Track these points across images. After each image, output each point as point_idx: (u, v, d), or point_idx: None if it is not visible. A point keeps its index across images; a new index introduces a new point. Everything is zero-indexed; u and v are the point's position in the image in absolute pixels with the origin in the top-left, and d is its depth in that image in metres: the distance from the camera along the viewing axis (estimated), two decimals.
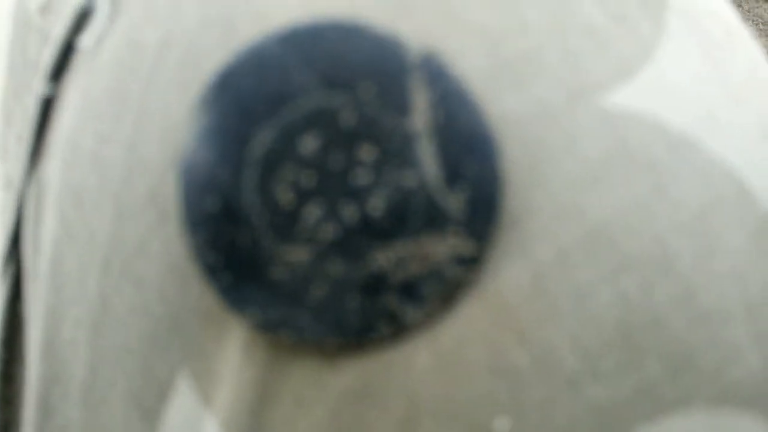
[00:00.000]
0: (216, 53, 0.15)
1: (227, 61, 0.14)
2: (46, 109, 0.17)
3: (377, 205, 0.13)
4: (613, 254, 0.14)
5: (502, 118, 0.14)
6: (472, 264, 0.13)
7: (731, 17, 0.17)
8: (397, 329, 0.14)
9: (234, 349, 0.15)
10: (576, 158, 0.14)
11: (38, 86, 0.17)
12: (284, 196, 0.14)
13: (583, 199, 0.14)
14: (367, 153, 0.13)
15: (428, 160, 0.13)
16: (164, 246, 0.15)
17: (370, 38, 0.14)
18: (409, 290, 0.13)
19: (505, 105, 0.14)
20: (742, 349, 0.14)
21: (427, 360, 0.14)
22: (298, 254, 0.14)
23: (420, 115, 0.13)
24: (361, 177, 0.13)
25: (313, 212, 0.14)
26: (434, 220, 0.13)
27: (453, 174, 0.13)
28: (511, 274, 0.13)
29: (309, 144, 0.14)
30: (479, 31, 0.14)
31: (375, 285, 0.14)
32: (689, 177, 0.14)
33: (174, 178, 0.14)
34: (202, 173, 0.14)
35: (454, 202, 0.13)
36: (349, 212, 0.13)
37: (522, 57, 0.14)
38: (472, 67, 0.14)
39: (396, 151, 0.13)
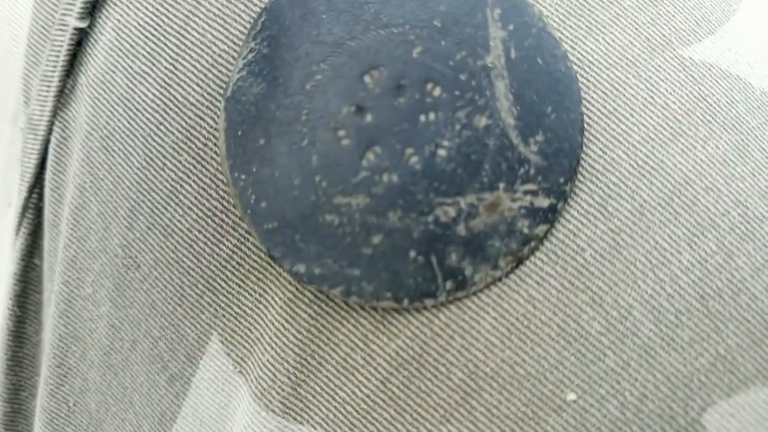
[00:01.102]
0: None
1: None
2: (77, 47, 0.16)
3: (445, 152, 0.12)
4: (694, 215, 0.13)
5: (579, 63, 0.13)
6: (546, 219, 0.12)
7: None
8: (461, 289, 0.13)
9: (275, 308, 0.14)
10: (657, 109, 0.13)
11: (71, 22, 0.15)
12: (345, 137, 0.13)
13: (664, 154, 0.13)
14: (438, 93, 0.12)
15: (504, 103, 0.12)
16: (198, 192, 0.14)
17: None
18: (476, 246, 0.13)
19: (582, 49, 0.13)
20: None
21: (492, 323, 0.13)
22: (356, 202, 0.13)
23: (497, 53, 0.12)
24: (431, 120, 0.12)
25: (375, 157, 0.13)
26: (507, 169, 0.12)
27: (530, 119, 0.13)
28: (587, 233, 0.13)
29: (375, 81, 0.13)
30: None
31: (439, 239, 0.13)
32: None
33: (221, 113, 0.13)
34: (254, 107, 0.13)
35: (530, 151, 0.12)
36: (415, 159, 0.13)
37: (599, 1, 0.14)
38: (548, 5, 0.13)
39: (470, 92, 0.12)
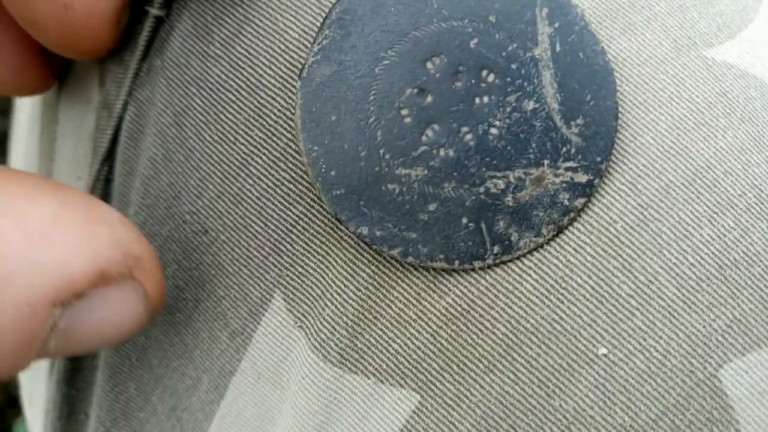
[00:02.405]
0: None
1: None
2: (154, 32, 0.17)
3: (497, 130, 0.14)
4: (714, 194, 0.14)
5: (614, 59, 0.15)
6: (584, 193, 0.14)
7: None
8: (507, 253, 0.14)
9: (336, 268, 0.15)
10: (682, 101, 0.15)
11: (151, 11, 0.17)
12: (407, 115, 0.14)
13: (688, 141, 0.14)
14: (492, 79, 0.14)
15: (549, 90, 0.14)
16: (269, 164, 0.16)
17: None
18: (522, 215, 0.14)
19: (617, 47, 0.15)
20: None
21: (534, 284, 0.14)
22: (415, 173, 0.14)
23: (544, 46, 0.14)
24: (485, 103, 0.14)
25: (433, 134, 0.14)
26: (551, 148, 0.14)
27: (571, 105, 0.14)
28: (619, 206, 0.14)
29: (436, 67, 0.14)
30: None
31: (489, 208, 0.14)
32: None
33: (297, 91, 0.14)
34: (327, 87, 0.14)
35: (572, 132, 0.14)
36: (470, 136, 0.14)
37: (632, 4, 0.15)
38: (588, 8, 0.15)
39: (520, 79, 0.14)
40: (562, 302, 0.14)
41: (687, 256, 0.14)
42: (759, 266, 0.14)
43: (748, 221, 0.14)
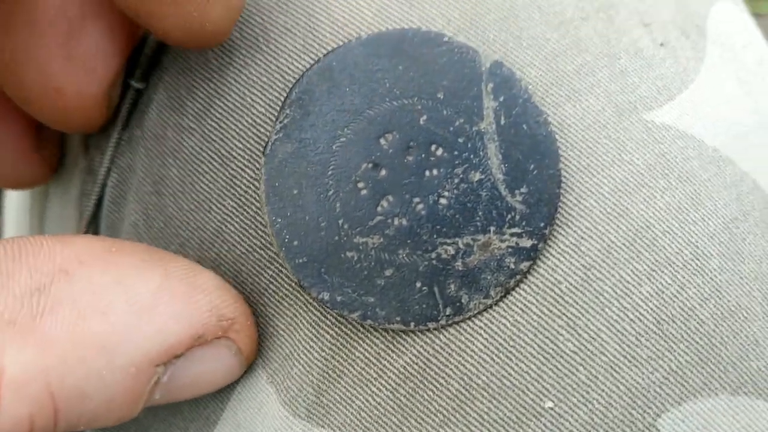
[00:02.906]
0: (299, 57, 0.16)
1: (315, 62, 0.15)
2: (134, 103, 0.18)
3: (446, 200, 0.15)
4: (653, 253, 0.15)
5: (560, 126, 0.16)
6: (529, 257, 0.15)
7: (763, 47, 0.19)
8: (458, 314, 0.15)
9: (303, 329, 0.16)
10: (623, 164, 0.16)
11: (132, 84, 0.18)
12: (363, 188, 0.15)
13: (629, 203, 0.15)
14: (441, 153, 0.15)
15: (494, 161, 0.15)
16: (241, 231, 0.17)
17: (450, 46, 0.15)
18: (472, 279, 0.15)
19: (562, 113, 0.16)
20: (761, 343, 0.15)
21: (484, 343, 0.15)
22: (372, 241, 0.15)
23: (489, 120, 0.15)
24: (434, 175, 0.15)
25: (388, 204, 0.15)
26: (497, 215, 0.15)
27: (515, 174, 0.15)
28: (564, 268, 0.15)
29: (389, 143, 0.15)
30: (540, 47, 0.16)
31: (441, 273, 0.15)
32: (721, 190, 0.16)
33: (261, 167, 0.15)
34: (289, 163, 0.15)
35: (516, 200, 0.15)
36: (421, 206, 0.15)
37: (577, 72, 0.16)
38: (534, 78, 0.16)
39: (466, 152, 0.15)
40: (511, 359, 0.15)
41: (627, 313, 0.15)
42: (694, 320, 0.15)
43: (684, 277, 0.15)
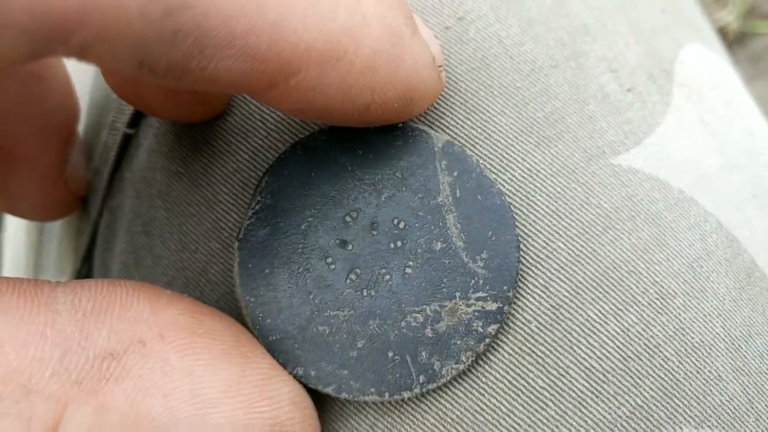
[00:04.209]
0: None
1: (283, 153, 0.16)
2: (123, 147, 0.19)
3: (411, 270, 0.16)
4: (619, 293, 0.16)
5: (528, 172, 0.16)
6: (496, 320, 0.16)
7: (734, 88, 0.19)
8: (432, 381, 0.16)
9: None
10: (591, 208, 0.16)
11: (121, 128, 0.19)
12: (332, 263, 0.16)
13: (596, 244, 0.16)
14: (403, 226, 0.16)
15: (454, 231, 0.16)
16: (223, 272, 0.17)
17: (404, 130, 0.16)
18: (442, 345, 0.16)
19: (531, 160, 0.16)
20: (723, 378, 0.16)
21: (457, 379, 0.16)
22: (343, 314, 0.16)
23: (445, 193, 0.16)
24: (399, 247, 0.16)
25: (357, 278, 0.16)
26: (461, 281, 0.16)
27: (475, 242, 0.16)
28: (533, 308, 0.16)
29: (354, 221, 0.16)
30: (511, 95, 0.17)
31: (411, 341, 0.16)
32: (685, 230, 0.17)
33: (235, 251, 0.16)
34: (261, 245, 0.16)
35: (478, 266, 0.16)
36: (388, 277, 0.16)
37: (546, 119, 0.17)
38: (504, 126, 0.17)
39: (427, 224, 0.16)
40: (483, 395, 0.16)
41: (594, 351, 0.16)
42: (659, 357, 0.16)
43: (649, 316, 0.16)
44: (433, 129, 0.17)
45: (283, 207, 0.16)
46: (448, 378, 0.16)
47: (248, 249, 0.16)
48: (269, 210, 0.16)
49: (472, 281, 0.16)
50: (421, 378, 0.16)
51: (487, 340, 0.16)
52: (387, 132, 0.16)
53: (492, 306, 0.16)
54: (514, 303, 0.16)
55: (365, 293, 0.16)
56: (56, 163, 0.19)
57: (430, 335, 0.16)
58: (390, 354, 0.16)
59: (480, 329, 0.16)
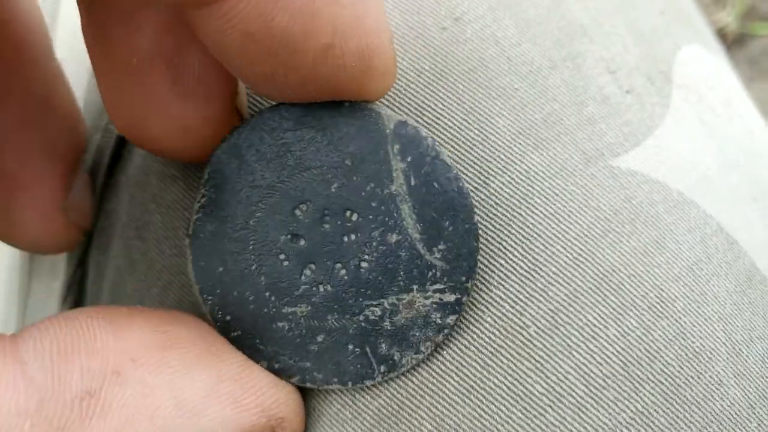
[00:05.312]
0: None
1: (222, 140, 0.15)
2: (118, 150, 0.19)
3: (367, 264, 0.15)
4: (619, 297, 0.16)
5: (526, 174, 0.16)
6: (454, 311, 0.15)
7: (732, 88, 0.19)
8: (392, 371, 0.16)
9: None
10: (590, 210, 0.16)
11: (115, 131, 0.18)
12: (285, 259, 0.15)
13: (595, 248, 0.16)
14: (356, 218, 0.15)
15: (409, 222, 0.15)
16: None
17: (352, 110, 0.15)
18: (401, 337, 0.15)
19: (529, 162, 0.16)
20: (724, 383, 0.16)
21: (455, 385, 0.16)
22: (300, 310, 0.15)
23: (399, 181, 0.15)
24: (352, 240, 0.15)
25: (311, 273, 0.15)
26: (418, 274, 0.15)
27: (431, 232, 0.15)
28: (532, 312, 0.16)
29: (304, 213, 0.15)
30: (509, 96, 0.17)
31: (370, 333, 0.15)
32: (685, 233, 0.16)
33: (186, 248, 0.16)
34: (210, 242, 0.15)
35: (435, 258, 0.15)
36: (343, 271, 0.15)
37: (544, 120, 0.17)
38: (502, 127, 0.16)
39: (381, 215, 0.15)
40: (481, 401, 0.15)
41: (594, 356, 0.15)
42: (659, 362, 0.15)
43: (649, 320, 0.16)
44: (391, 109, 0.16)
45: (229, 201, 0.15)
46: (408, 368, 0.16)
47: (199, 246, 0.15)
48: (215, 204, 0.15)
49: (430, 273, 0.15)
50: (382, 368, 0.16)
51: (446, 330, 0.15)
52: (335, 113, 0.15)
53: (450, 297, 0.15)
54: (512, 306, 0.16)
55: (321, 289, 0.15)
56: (58, 191, 0.19)
57: (389, 328, 0.15)
58: (350, 347, 0.15)
59: (438, 320, 0.15)
